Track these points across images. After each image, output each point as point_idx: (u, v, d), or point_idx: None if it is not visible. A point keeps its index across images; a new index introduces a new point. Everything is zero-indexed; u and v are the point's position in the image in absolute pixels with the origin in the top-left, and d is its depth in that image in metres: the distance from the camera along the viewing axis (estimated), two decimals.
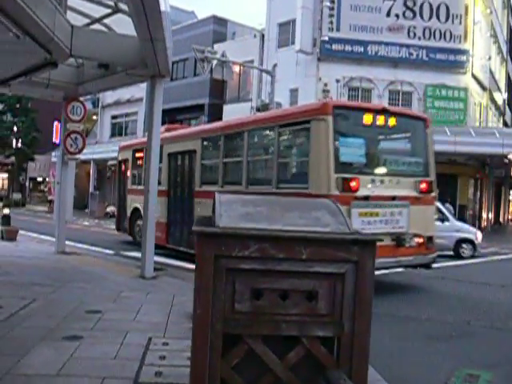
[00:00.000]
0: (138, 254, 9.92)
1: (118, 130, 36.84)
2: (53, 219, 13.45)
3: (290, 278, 2.62)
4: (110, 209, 31.43)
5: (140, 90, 29.65)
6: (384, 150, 9.63)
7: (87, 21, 9.09)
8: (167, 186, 13.01)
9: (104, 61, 9.26)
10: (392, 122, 9.08)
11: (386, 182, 8.74)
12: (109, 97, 36.45)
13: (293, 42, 24.98)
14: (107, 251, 13.23)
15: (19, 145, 39.11)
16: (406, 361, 5.41)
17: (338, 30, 24.50)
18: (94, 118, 38.79)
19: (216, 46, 26.04)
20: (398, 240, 8.56)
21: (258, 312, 2.61)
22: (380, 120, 8.92)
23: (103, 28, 9.18)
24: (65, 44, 7.69)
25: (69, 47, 7.92)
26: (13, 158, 40.78)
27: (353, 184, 8.17)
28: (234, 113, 26.64)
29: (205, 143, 12.08)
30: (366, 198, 8.30)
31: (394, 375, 4.73)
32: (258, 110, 24.39)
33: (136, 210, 14.46)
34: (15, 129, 38.73)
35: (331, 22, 24.46)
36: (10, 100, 37.53)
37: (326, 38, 24.07)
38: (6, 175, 46.92)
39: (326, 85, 24.28)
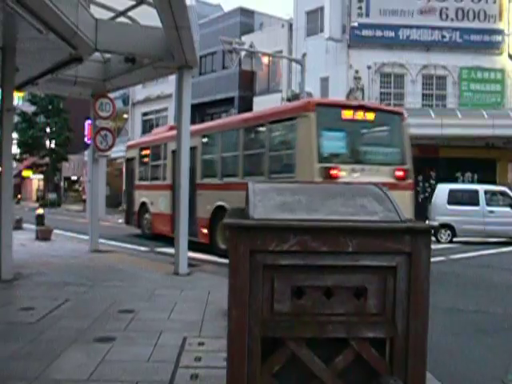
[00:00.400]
0: (171, 250, 9.74)
1: (149, 127, 36.92)
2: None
3: (335, 273, 2.33)
4: None
5: (170, 85, 29.61)
6: (363, 142, 10.43)
7: (111, 14, 8.91)
8: (172, 180, 13.57)
9: (130, 54, 9.08)
10: (370, 116, 10.07)
11: (365, 170, 9.58)
12: (139, 94, 36.59)
13: (322, 30, 24.43)
14: (141, 248, 13.14)
15: (53, 145, 39.64)
16: (456, 356, 5.06)
17: (367, 15, 23.84)
18: (125, 116, 39.00)
19: (244, 38, 25.71)
20: None
21: (301, 312, 2.33)
22: (358, 115, 9.90)
23: (128, 21, 8.98)
24: (89, 38, 7.54)
25: (93, 41, 7.77)
26: (47, 159, 41.39)
27: (334, 172, 9.12)
28: (264, 104, 26.33)
29: (204, 140, 13.03)
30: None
31: (445, 372, 4.41)
32: (289, 100, 23.99)
33: (143, 204, 15.50)
34: (48, 130, 39.24)
35: (360, 8, 23.82)
36: (42, 101, 38.07)
37: (356, 24, 23.45)
38: (41, 176, 47.70)
39: (357, 72, 23.69)
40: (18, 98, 45.26)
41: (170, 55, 8.46)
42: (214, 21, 30.63)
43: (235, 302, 2.27)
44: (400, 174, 9.97)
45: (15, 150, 42.98)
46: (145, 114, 37.14)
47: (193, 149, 12.37)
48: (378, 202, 2.54)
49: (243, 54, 19.45)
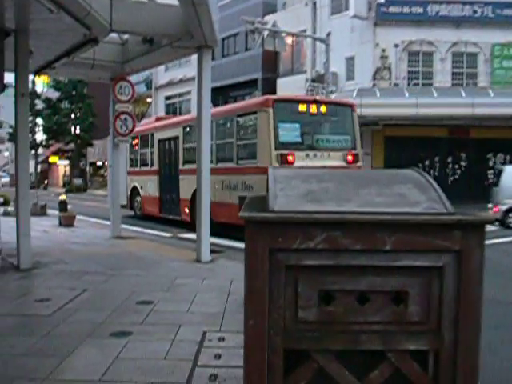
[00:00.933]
0: (194, 236, 9.45)
1: (172, 111, 36.72)
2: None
3: (370, 275, 1.98)
4: None
5: (192, 68, 29.19)
6: (317, 131, 11.71)
7: None
8: (158, 166, 15.57)
9: (147, 34, 8.76)
10: (323, 109, 11.59)
11: (318, 156, 11.13)
12: (161, 78, 36.35)
13: (347, 8, 23.66)
14: (163, 234, 12.93)
15: (77, 131, 39.77)
16: (500, 356, 4.66)
17: None
18: (149, 100, 38.82)
19: (266, 18, 25.15)
20: None
21: (329, 321, 1.99)
22: (312, 108, 11.42)
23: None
24: (103, 18, 7.22)
25: (108, 21, 7.44)
26: (72, 145, 41.55)
27: (289, 158, 10.55)
28: (288, 86, 25.85)
29: (185, 130, 14.25)
30: (301, 168, 10.19)
31: (488, 376, 4.02)
32: (313, 81, 23.47)
33: (134, 188, 17.27)
34: (73, 115, 39.35)
35: None
36: (66, 87, 38.12)
37: (382, 1, 22.64)
38: (67, 162, 48.00)
39: (383, 50, 22.96)
40: (42, 84, 45.51)
41: (188, 34, 8.11)
42: (236, 1, 30.07)
43: (252, 310, 1.94)
44: (350, 158, 11.44)
45: (41, 136, 43.34)
46: (168, 98, 36.91)
47: (175, 138, 14.60)
48: (419, 190, 2.17)
49: (266, 33, 18.95)
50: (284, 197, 2.06)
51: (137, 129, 17.90)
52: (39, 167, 48.14)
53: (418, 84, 23.34)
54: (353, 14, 22.89)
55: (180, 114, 35.27)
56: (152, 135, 15.97)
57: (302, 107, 11.38)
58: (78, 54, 8.52)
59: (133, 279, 6.93)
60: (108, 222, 12.17)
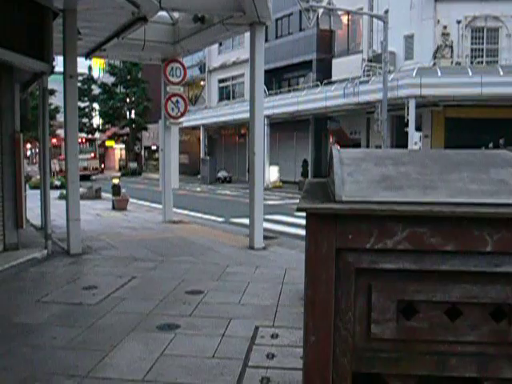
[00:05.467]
0: (247, 221, 9.11)
1: (225, 94, 36.50)
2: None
3: (465, 283, 1.56)
4: (222, 174, 31.26)
5: (245, 51, 28.79)
6: (83, 150, 32.45)
7: None
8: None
9: (197, 10, 8.43)
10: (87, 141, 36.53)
11: (84, 154, 32.90)
12: (215, 61, 36.15)
13: None
14: (215, 218, 12.70)
15: (132, 115, 40.18)
16: None
17: None
18: (202, 83, 38.71)
19: None
20: (85, 168, 32.85)
21: (410, 339, 1.59)
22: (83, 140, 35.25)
23: None
24: None
25: None
26: (127, 129, 42.05)
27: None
28: (343, 66, 25.11)
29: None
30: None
31: None
32: (370, 61, 22.62)
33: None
34: (128, 100, 39.76)
35: None
36: (121, 72, 38.50)
37: None
38: (122, 145, 48.69)
39: (445, 27, 21.79)
40: (98, 69, 46.20)
41: (240, 11, 7.73)
42: None
43: (314, 324, 1.56)
44: (92, 155, 35.67)
45: (98, 120, 44.13)
46: (221, 81, 36.66)
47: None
48: None
49: (321, 12, 18.27)
50: (354, 183, 1.66)
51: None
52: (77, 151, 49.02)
53: (481, 62, 22.11)
54: None
55: (233, 97, 35.05)
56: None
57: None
58: (127, 34, 8.27)
59: (183, 266, 6.68)
60: (161, 206, 12.04)
